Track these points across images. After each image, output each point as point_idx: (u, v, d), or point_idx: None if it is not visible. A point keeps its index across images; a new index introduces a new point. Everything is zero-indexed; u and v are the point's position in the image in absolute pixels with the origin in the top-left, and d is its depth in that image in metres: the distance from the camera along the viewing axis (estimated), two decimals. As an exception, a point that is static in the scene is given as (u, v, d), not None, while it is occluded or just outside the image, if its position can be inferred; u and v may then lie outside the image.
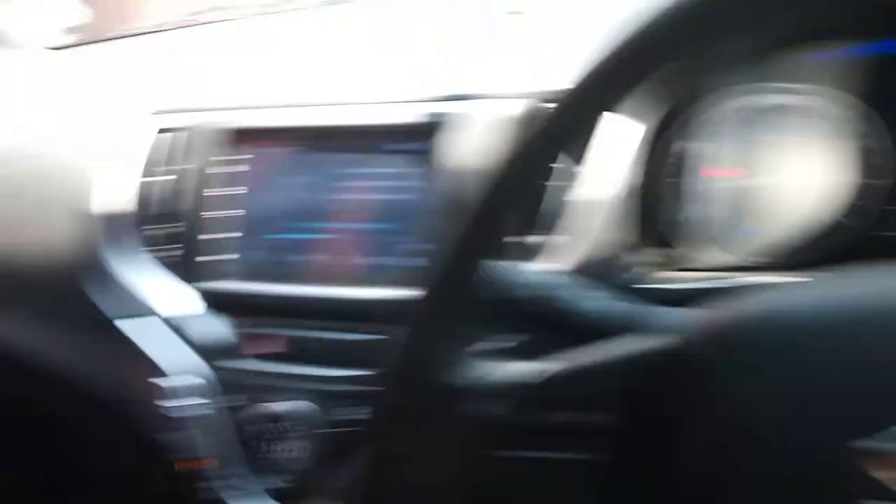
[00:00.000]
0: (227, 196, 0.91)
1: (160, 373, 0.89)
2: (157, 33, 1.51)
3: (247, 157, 0.91)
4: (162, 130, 0.99)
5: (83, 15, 1.52)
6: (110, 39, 1.53)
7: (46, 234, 0.97)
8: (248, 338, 0.89)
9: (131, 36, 1.53)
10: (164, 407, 0.88)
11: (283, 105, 0.93)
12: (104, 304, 0.92)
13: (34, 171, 1.02)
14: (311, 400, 0.86)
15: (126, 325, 0.91)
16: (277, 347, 0.88)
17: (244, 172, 0.91)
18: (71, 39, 1.54)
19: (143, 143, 0.99)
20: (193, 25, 1.52)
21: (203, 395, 0.88)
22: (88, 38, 1.53)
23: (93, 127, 1.05)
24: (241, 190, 0.92)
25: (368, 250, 0.85)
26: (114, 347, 0.91)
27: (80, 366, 0.95)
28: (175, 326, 0.90)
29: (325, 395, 0.86)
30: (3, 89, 1.32)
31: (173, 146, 0.97)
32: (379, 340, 0.82)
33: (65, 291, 0.94)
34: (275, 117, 0.92)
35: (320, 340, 0.86)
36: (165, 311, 0.91)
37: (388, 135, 0.84)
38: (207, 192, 0.92)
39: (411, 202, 0.83)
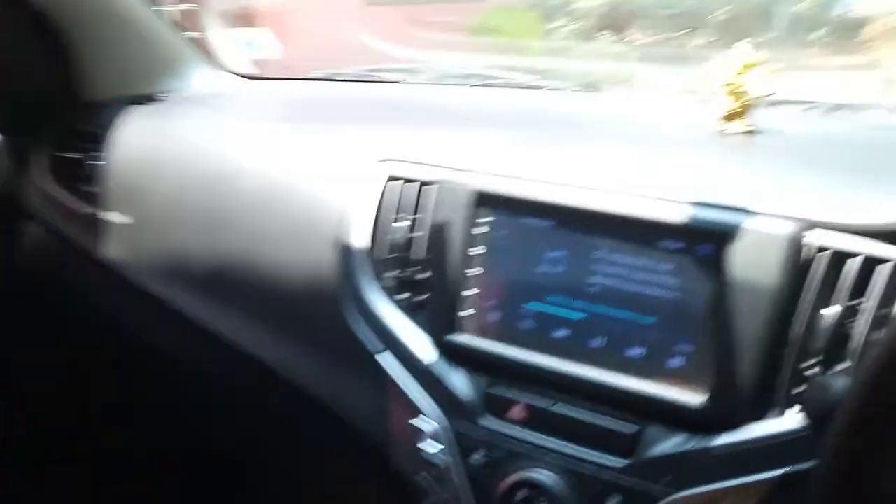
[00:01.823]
0: (466, 254, 0.93)
1: (418, 413, 0.90)
2: (351, 82, 1.56)
3: (492, 219, 0.93)
4: (394, 178, 1.02)
5: (276, 50, 1.58)
6: (306, 79, 1.59)
7: (307, 260, 1.00)
8: (491, 398, 0.91)
9: (326, 80, 1.59)
10: (420, 448, 0.90)
11: (537, 179, 0.94)
12: (365, 338, 0.94)
13: (289, 195, 1.06)
14: (555, 472, 0.86)
15: (386, 362, 0.93)
16: (522, 414, 0.89)
17: (488, 234, 0.93)
18: (261, 71, 1.60)
19: (373, 187, 1.02)
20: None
21: (448, 445, 0.89)
22: (280, 73, 1.59)
23: (323, 163, 1.09)
24: (481, 250, 0.93)
25: (622, 339, 0.86)
26: (373, 383, 0.93)
27: (337, 394, 0.97)
28: (419, 370, 0.92)
29: (569, 472, 0.86)
30: (230, 108, 1.37)
31: (409, 195, 0.99)
32: (632, 430, 0.83)
33: (327, 320, 0.96)
34: (530, 188, 0.92)
35: (568, 417, 0.87)
36: (415, 354, 0.92)
37: (657, 230, 0.83)
38: (446, 247, 0.94)
39: (680, 300, 0.83)
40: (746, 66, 1.09)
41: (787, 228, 0.77)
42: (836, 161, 0.94)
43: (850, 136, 1.11)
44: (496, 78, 1.55)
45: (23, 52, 1.31)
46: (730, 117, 1.09)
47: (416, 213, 0.98)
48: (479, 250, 0.92)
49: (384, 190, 1.00)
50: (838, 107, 1.31)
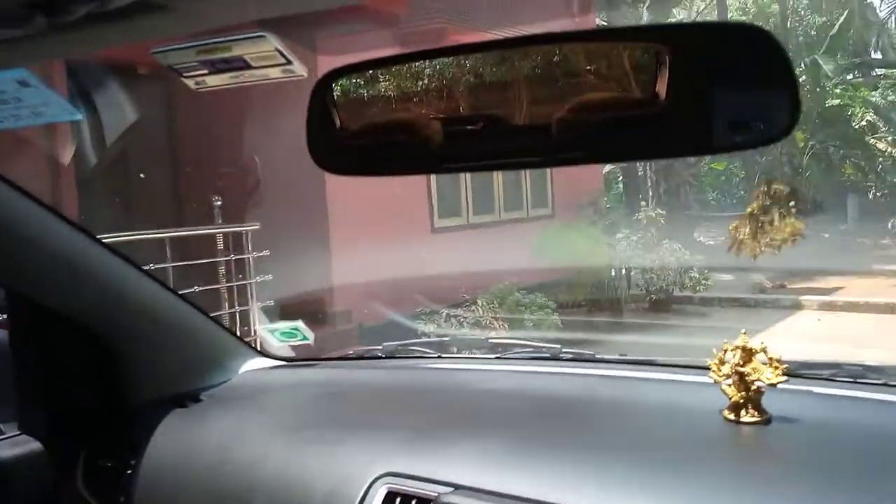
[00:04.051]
0: None
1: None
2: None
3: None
4: (393, 494, 1.02)
5: (309, 336, 1.66)
6: (337, 359, 1.66)
7: None
8: None
9: (355, 359, 1.65)
10: None
11: (531, 500, 0.92)
12: None
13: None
14: None
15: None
16: None
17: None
18: (298, 354, 1.68)
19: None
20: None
21: None
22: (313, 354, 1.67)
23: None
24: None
25: None
26: None
27: None
28: None
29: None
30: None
31: None
32: None
33: None
34: None
35: None
36: None
37: None
38: None
39: None
40: (748, 354, 1.08)
41: None
42: (835, 475, 0.90)
43: (850, 431, 1.05)
44: (520, 347, 1.58)
45: (69, 365, 1.42)
46: (736, 408, 1.07)
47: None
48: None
49: None
50: (866, 370, 1.26)
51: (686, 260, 8.57)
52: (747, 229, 9.63)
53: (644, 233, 8.91)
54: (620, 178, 15.03)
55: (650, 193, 12.99)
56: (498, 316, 6.79)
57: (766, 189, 10.01)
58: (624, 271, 8.65)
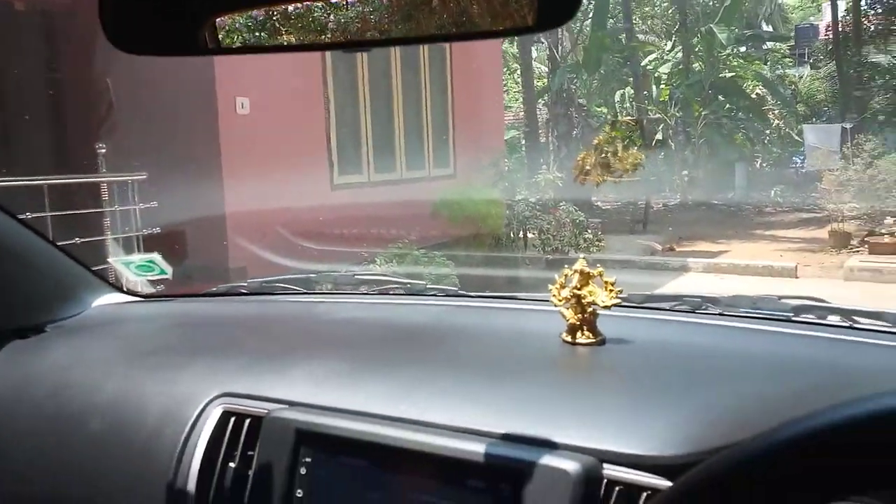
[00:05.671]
0: (290, 496, 0.91)
1: None
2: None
3: (312, 459, 0.91)
4: (228, 413, 1.01)
5: (166, 270, 1.61)
6: (193, 296, 1.61)
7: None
8: None
9: (212, 296, 1.61)
10: None
11: (361, 413, 0.93)
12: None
13: (129, 436, 1.05)
14: None
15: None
16: None
17: (308, 474, 0.90)
18: (156, 290, 1.63)
19: (207, 424, 1.01)
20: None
21: None
22: (170, 291, 1.62)
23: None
24: (302, 492, 0.90)
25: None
26: None
27: None
28: None
29: None
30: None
31: (240, 432, 0.98)
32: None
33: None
34: (349, 424, 0.91)
35: None
36: None
37: (462, 469, 0.81)
38: (271, 488, 0.91)
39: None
40: (586, 278, 1.11)
41: (580, 464, 0.76)
42: (653, 382, 0.94)
43: (678, 350, 1.10)
44: (386, 284, 1.58)
45: None
46: (573, 330, 1.10)
47: (246, 450, 0.97)
48: (300, 492, 0.90)
49: (216, 426, 0.99)
50: (704, 302, 1.32)
51: (581, 222, 8.79)
52: (593, 159, 10.30)
53: (542, 195, 9.08)
54: (524, 142, 15.21)
55: (551, 158, 13.21)
56: (397, 274, 6.80)
57: (613, 122, 10.88)
58: (521, 232, 8.80)
